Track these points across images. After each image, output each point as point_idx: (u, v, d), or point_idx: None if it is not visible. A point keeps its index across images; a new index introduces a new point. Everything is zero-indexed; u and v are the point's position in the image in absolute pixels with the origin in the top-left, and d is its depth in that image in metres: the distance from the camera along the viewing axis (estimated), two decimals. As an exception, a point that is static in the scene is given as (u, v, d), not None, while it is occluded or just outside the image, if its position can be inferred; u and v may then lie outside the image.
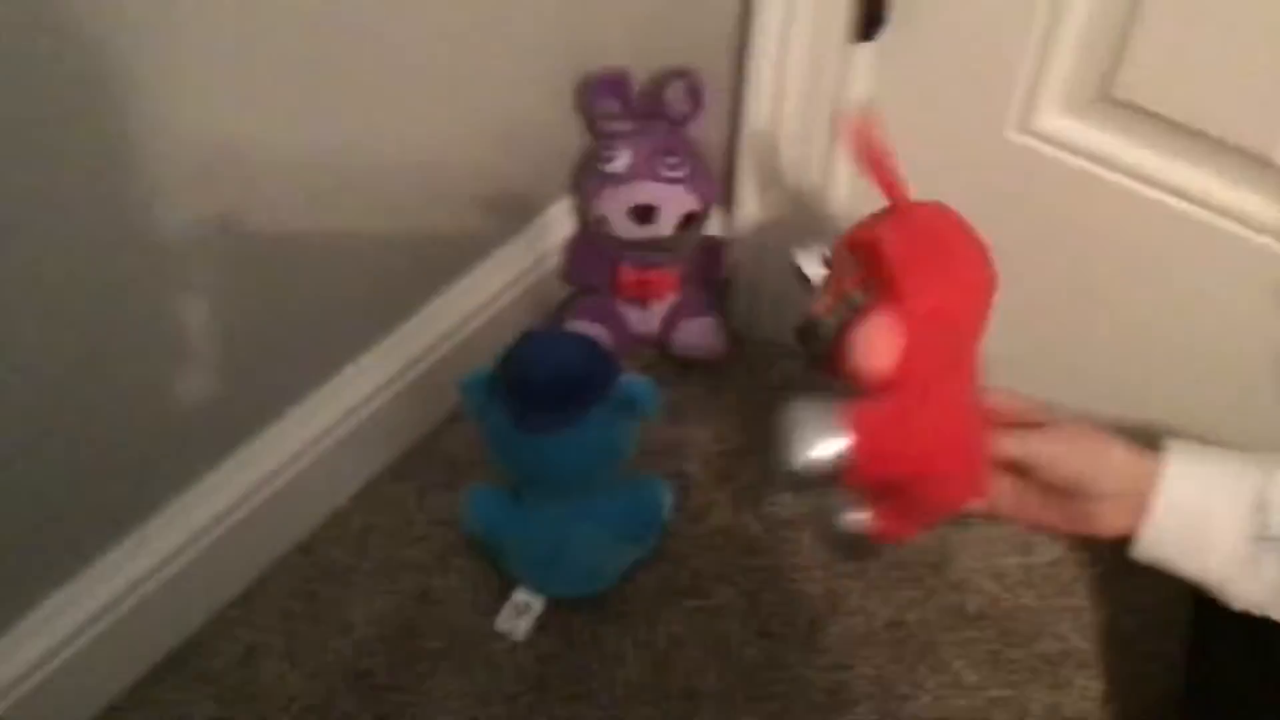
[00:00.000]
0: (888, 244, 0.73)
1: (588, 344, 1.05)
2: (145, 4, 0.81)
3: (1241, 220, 0.98)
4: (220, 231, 0.96)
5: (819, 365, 0.76)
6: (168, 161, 0.89)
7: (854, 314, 0.73)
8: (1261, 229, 0.97)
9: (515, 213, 1.31)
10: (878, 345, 0.69)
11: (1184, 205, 1.00)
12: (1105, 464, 0.75)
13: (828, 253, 0.81)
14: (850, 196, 1.22)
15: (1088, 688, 1.10)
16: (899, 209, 0.77)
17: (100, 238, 0.87)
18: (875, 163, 0.76)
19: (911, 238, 0.75)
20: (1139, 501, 0.75)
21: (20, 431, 0.90)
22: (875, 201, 0.89)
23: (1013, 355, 1.23)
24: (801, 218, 1.26)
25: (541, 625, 1.13)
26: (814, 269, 0.85)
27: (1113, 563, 1.16)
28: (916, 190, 1.13)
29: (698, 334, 1.33)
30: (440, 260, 1.23)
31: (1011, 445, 0.76)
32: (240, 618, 1.13)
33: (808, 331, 0.80)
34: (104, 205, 0.86)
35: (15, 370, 0.87)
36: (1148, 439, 1.11)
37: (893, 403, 0.70)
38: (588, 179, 1.29)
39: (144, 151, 0.87)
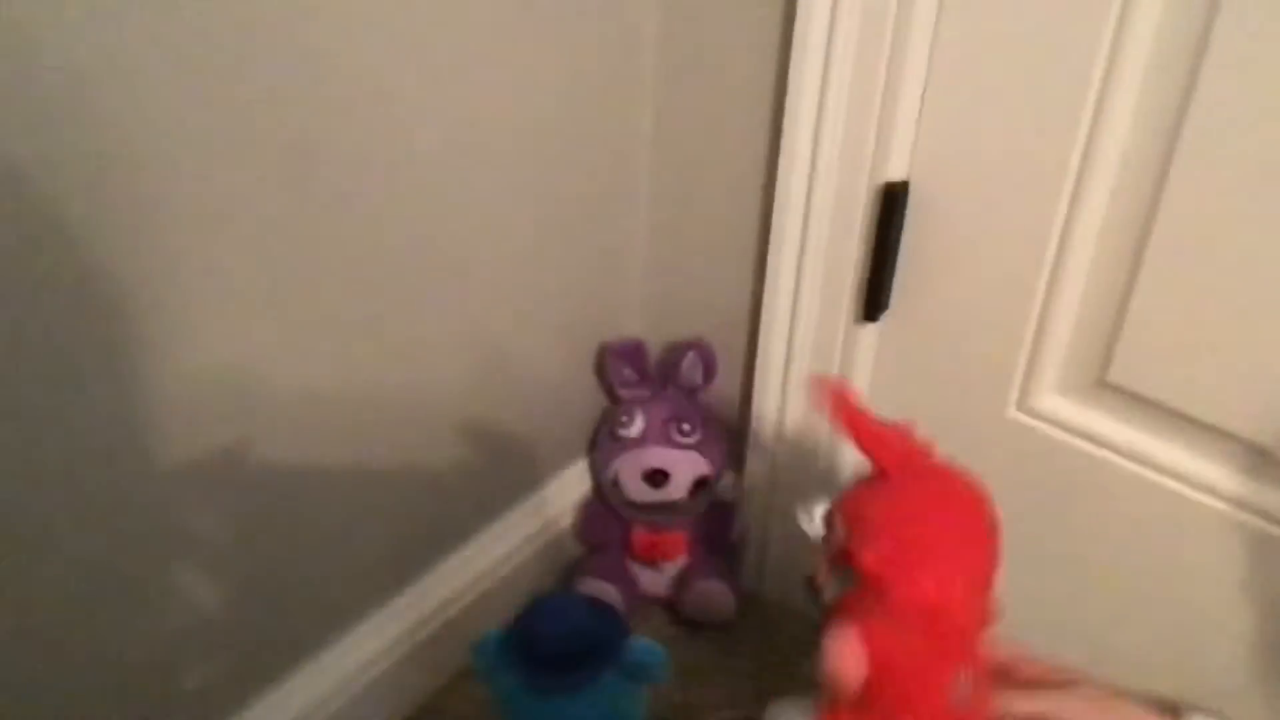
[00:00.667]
0: (867, 548, 0.75)
1: (599, 608, 1.07)
2: (157, 233, 0.84)
3: (1239, 505, 1.00)
4: (228, 484, 0.98)
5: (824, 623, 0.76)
6: (176, 407, 0.90)
7: (841, 595, 0.75)
8: (1258, 513, 0.99)
9: (531, 472, 1.35)
10: (844, 658, 0.71)
11: (1181, 488, 1.03)
12: None
13: (827, 509, 0.82)
14: (859, 464, 1.26)
15: None
16: (890, 478, 0.80)
17: (97, 477, 0.87)
18: (854, 425, 0.79)
19: (892, 524, 0.77)
20: None
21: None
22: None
23: (1010, 624, 1.24)
24: (810, 483, 1.29)
25: None
26: (814, 529, 0.86)
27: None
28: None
29: (708, 596, 1.35)
30: (454, 518, 1.26)
31: (1032, 702, 0.76)
32: None
33: (810, 594, 0.81)
34: (103, 443, 0.87)
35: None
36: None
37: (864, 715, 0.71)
38: (603, 442, 1.34)
39: (149, 384, 0.88)
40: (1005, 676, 0.80)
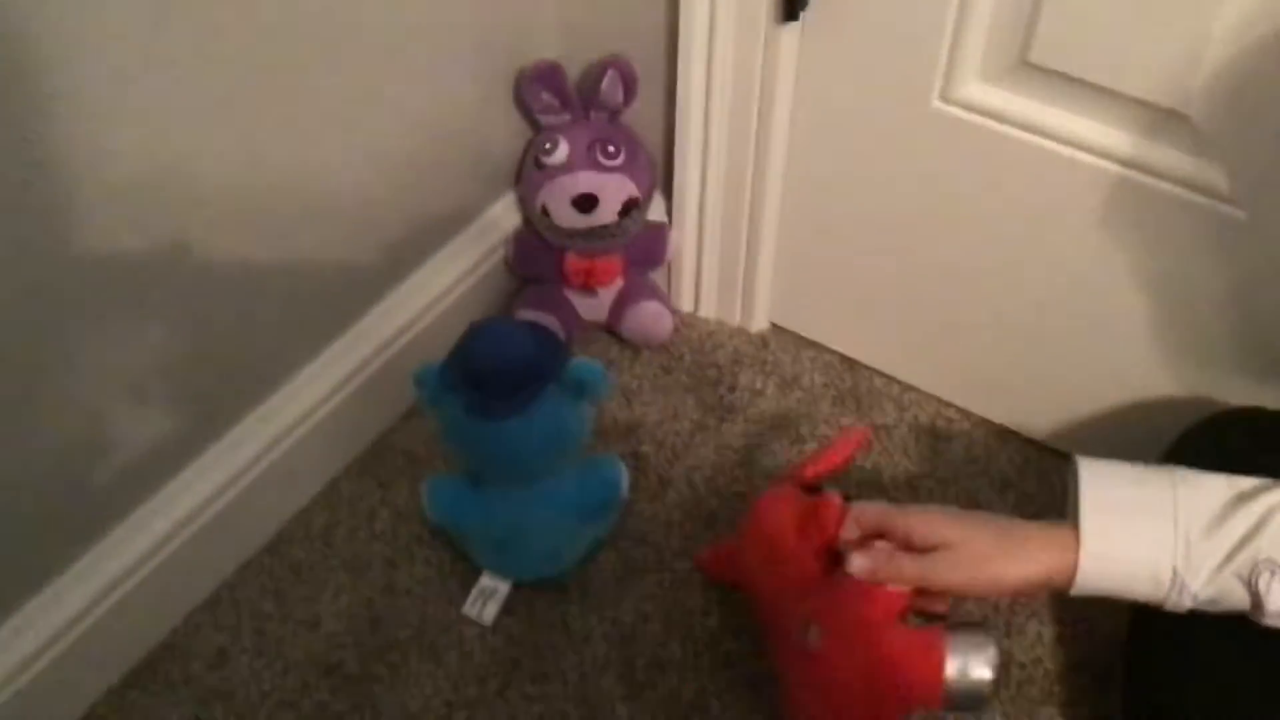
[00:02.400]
0: None
1: (536, 330, 1.08)
2: (83, 21, 0.82)
3: (1159, 174, 1.01)
4: (164, 245, 0.97)
5: None
6: (109, 173, 0.90)
7: None
8: (1177, 182, 1.01)
9: (460, 209, 1.33)
10: None
11: (1104, 164, 1.03)
12: (1003, 581, 0.82)
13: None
14: (785, 172, 1.25)
15: (1040, 635, 1.13)
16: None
17: (37, 252, 0.88)
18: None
19: None
20: (1054, 565, 0.81)
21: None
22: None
23: (944, 321, 1.27)
24: (739, 197, 1.29)
25: (508, 609, 1.16)
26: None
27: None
28: (850, 164, 1.16)
29: (645, 318, 1.36)
30: (388, 260, 1.25)
31: (915, 575, 0.84)
32: (211, 621, 1.15)
33: None
34: (38, 220, 0.87)
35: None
36: (1076, 431, 1.15)
37: None
38: (528, 172, 1.32)
39: (85, 165, 0.88)
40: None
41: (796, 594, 0.92)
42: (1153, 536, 0.79)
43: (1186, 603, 0.80)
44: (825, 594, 0.89)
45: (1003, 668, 0.83)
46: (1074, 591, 0.81)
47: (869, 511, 0.89)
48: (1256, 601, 0.78)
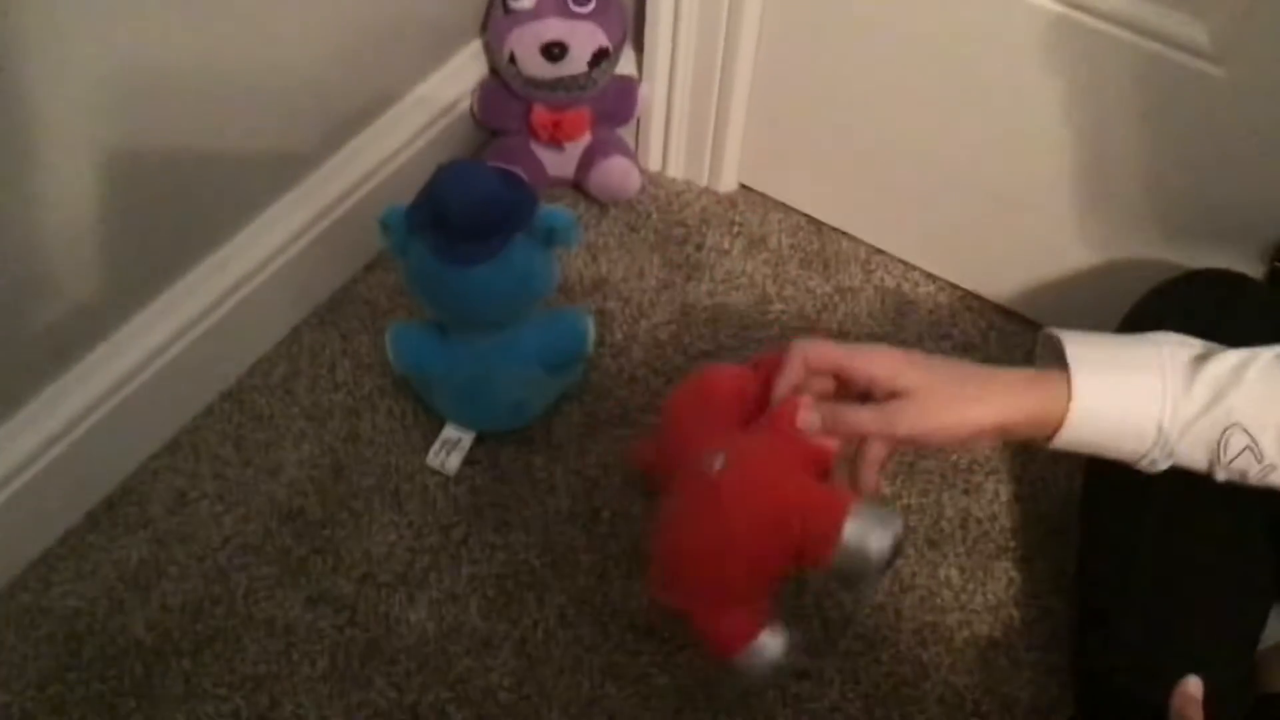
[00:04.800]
0: None
1: (506, 175, 1.05)
2: None
3: (1138, 30, 1.00)
4: (122, 84, 0.94)
5: None
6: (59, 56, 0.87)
7: None
8: (1156, 37, 0.99)
9: (427, 55, 1.29)
10: None
11: (1080, 17, 1.02)
12: (976, 424, 0.75)
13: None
14: (759, 29, 1.22)
15: (997, 492, 1.15)
16: None
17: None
18: None
19: None
20: (1036, 410, 0.76)
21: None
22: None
23: (913, 184, 1.26)
24: (712, 52, 1.26)
25: (472, 459, 1.15)
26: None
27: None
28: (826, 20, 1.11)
29: (613, 174, 1.33)
30: (352, 105, 1.22)
31: (878, 427, 0.75)
32: (169, 465, 1.14)
33: None
34: None
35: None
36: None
37: None
38: (495, 18, 1.28)
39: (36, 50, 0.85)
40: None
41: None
42: (1143, 392, 0.76)
43: (1163, 462, 0.78)
44: (743, 432, 0.79)
45: (900, 551, 0.74)
46: (1055, 444, 0.77)
47: (821, 351, 0.77)
48: (1215, 458, 0.78)
